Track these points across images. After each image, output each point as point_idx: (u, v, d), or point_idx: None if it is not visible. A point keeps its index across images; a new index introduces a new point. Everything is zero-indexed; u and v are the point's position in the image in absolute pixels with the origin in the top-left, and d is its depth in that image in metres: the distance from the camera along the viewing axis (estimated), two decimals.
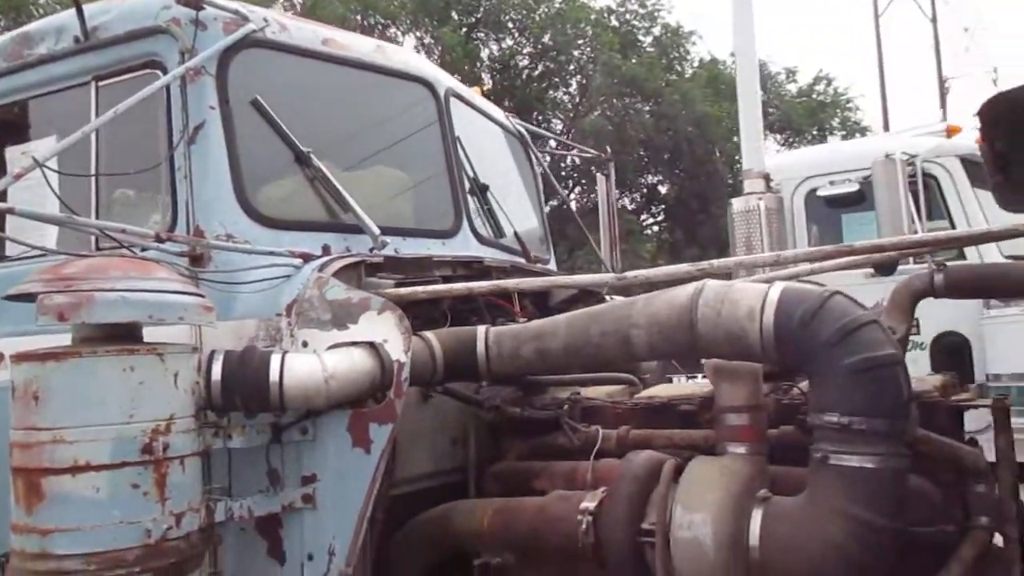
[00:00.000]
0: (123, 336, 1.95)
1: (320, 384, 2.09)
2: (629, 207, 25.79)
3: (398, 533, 2.47)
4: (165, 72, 2.51)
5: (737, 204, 6.07)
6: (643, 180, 24.93)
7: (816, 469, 1.92)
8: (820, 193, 6.20)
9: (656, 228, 24.83)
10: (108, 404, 1.86)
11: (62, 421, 1.84)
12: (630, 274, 2.37)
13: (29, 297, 1.89)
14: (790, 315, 1.93)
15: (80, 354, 1.87)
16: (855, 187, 5.91)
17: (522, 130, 3.94)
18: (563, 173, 18.20)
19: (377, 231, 2.66)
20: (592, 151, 4.45)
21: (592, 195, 24.46)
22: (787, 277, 2.79)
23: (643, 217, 25.32)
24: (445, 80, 3.33)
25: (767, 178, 6.10)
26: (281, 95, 2.69)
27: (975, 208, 5.73)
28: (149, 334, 2.04)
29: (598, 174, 4.47)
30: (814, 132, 24.03)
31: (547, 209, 4.27)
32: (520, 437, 2.70)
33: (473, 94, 3.67)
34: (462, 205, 3.17)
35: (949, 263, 2.69)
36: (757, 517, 1.95)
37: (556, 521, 2.21)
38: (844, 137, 22.70)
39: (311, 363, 2.12)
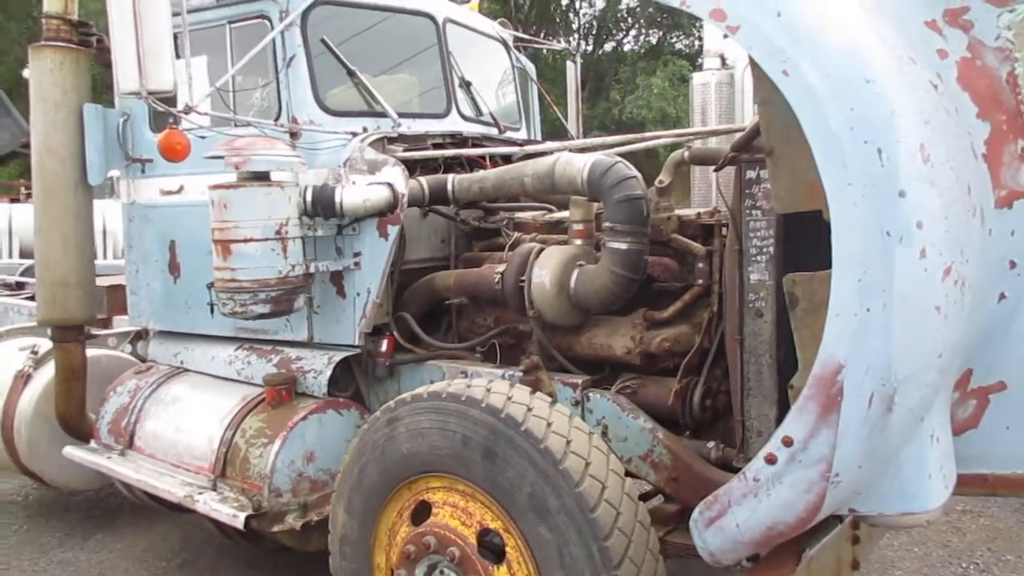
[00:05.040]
0: (263, 177, 3.88)
1: (360, 204, 3.95)
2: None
3: (408, 288, 4.46)
4: (270, 22, 4.29)
5: (697, 78, 7.60)
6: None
7: (603, 250, 3.77)
8: None
9: None
10: (259, 209, 3.80)
11: (238, 217, 3.79)
12: (528, 148, 4.21)
13: (218, 157, 3.84)
14: (594, 172, 3.71)
15: (245, 186, 3.82)
16: None
17: (505, 36, 5.63)
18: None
19: (395, 116, 4.45)
20: (562, 45, 6.06)
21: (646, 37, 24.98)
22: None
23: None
24: (444, 10, 5.01)
25: (722, 57, 7.59)
26: (339, 33, 4.45)
27: None
28: (274, 176, 3.99)
29: (568, 62, 6.12)
30: None
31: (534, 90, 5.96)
32: (479, 239, 4.64)
33: (467, 12, 5.37)
34: (452, 96, 4.96)
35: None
36: (575, 273, 3.79)
37: (485, 278, 4.07)
38: None
39: (357, 192, 3.97)
